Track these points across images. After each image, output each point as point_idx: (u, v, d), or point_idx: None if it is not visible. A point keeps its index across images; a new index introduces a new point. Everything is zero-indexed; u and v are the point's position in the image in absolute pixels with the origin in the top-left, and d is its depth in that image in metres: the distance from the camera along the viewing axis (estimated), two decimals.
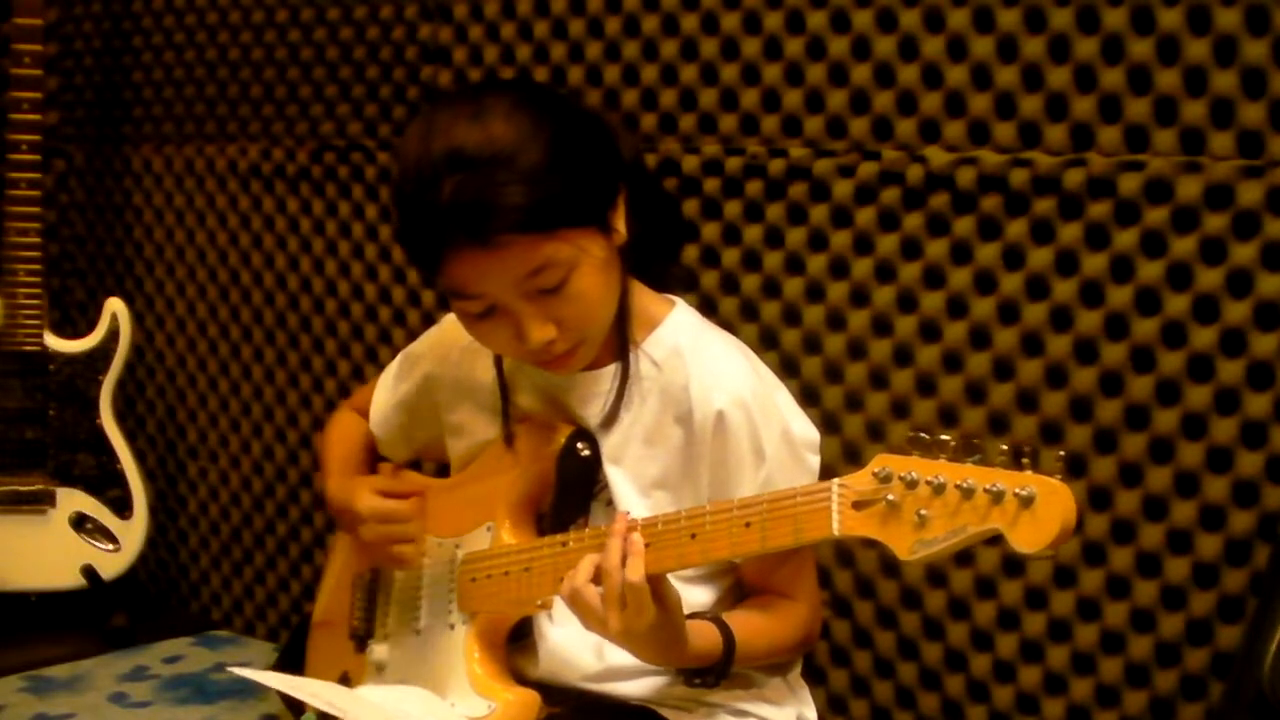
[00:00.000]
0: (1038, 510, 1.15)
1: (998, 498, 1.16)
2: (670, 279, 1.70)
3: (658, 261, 1.67)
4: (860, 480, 1.26)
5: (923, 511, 1.20)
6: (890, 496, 1.23)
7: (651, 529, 1.41)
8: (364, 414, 1.84)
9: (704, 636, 1.50)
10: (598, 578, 1.41)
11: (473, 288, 1.47)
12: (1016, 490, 1.16)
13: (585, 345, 1.53)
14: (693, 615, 1.51)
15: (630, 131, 1.99)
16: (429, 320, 2.21)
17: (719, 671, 1.52)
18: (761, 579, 1.61)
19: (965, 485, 1.18)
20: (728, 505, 1.38)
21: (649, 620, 1.39)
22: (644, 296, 1.62)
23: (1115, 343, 1.73)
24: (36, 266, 2.46)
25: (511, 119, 1.45)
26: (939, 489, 1.20)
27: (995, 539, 1.18)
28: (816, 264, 1.94)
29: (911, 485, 1.22)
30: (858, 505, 1.26)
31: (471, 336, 1.56)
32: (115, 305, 2.52)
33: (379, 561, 1.72)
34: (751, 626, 1.55)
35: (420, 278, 2.31)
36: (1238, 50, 1.62)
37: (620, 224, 1.52)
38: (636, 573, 1.38)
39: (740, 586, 1.63)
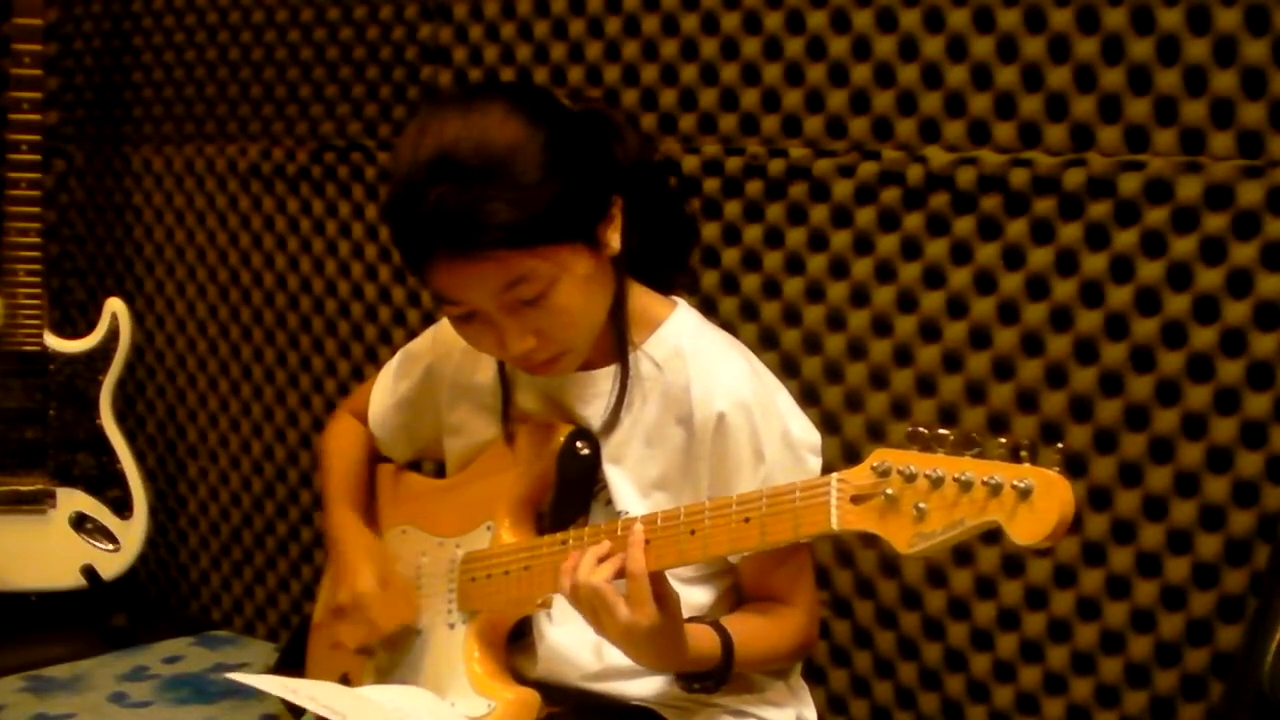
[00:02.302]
0: (1035, 502, 1.15)
1: (995, 490, 1.16)
2: (675, 282, 1.69)
3: (663, 268, 1.66)
4: (859, 475, 1.26)
5: (921, 505, 1.20)
6: (888, 491, 1.23)
7: (651, 525, 1.41)
8: (362, 416, 1.83)
9: (702, 640, 1.49)
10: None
11: (454, 294, 1.47)
12: (1014, 483, 1.15)
13: (569, 355, 1.52)
14: (691, 619, 1.50)
15: (636, 131, 1.97)
16: (429, 320, 2.20)
17: (718, 677, 1.51)
18: (759, 584, 1.60)
19: (963, 478, 1.18)
20: (727, 501, 1.38)
21: (649, 620, 1.38)
22: (645, 298, 1.61)
23: (1115, 343, 1.73)
24: (36, 266, 2.47)
25: (504, 127, 1.43)
26: (937, 482, 1.19)
27: (994, 533, 1.18)
28: (816, 264, 1.94)
29: (910, 479, 1.21)
30: (856, 499, 1.26)
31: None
32: (115, 305, 2.52)
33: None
34: (750, 631, 1.54)
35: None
36: (1238, 50, 1.62)
37: (613, 237, 1.51)
38: (636, 563, 1.38)
39: (739, 587, 1.63)
